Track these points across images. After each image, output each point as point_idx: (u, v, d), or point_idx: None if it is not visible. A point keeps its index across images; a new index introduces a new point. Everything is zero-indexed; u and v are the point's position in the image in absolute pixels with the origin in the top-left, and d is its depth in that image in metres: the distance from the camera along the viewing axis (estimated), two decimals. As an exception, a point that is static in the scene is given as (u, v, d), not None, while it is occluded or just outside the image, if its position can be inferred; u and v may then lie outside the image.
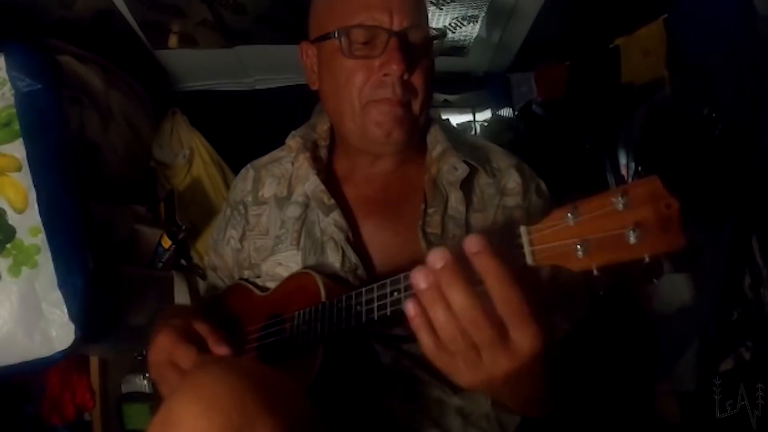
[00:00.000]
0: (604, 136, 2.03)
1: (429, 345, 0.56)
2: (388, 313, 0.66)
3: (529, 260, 0.54)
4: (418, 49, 0.82)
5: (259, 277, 0.92)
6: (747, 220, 1.29)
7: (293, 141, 0.94)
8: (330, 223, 0.85)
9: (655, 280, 0.50)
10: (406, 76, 0.80)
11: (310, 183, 0.89)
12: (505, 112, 2.27)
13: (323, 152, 0.94)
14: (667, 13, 1.55)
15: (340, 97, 0.83)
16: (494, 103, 2.30)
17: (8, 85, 1.27)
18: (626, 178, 1.94)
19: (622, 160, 1.98)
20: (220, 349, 0.76)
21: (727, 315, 1.33)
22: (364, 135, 0.83)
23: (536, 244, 0.54)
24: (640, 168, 1.84)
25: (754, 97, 1.29)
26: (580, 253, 0.51)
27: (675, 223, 0.48)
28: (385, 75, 0.79)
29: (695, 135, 1.50)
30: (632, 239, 0.48)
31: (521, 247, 0.55)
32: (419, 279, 0.54)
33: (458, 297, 0.53)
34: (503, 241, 0.56)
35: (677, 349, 1.50)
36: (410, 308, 0.55)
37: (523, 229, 0.55)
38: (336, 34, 0.80)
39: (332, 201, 0.86)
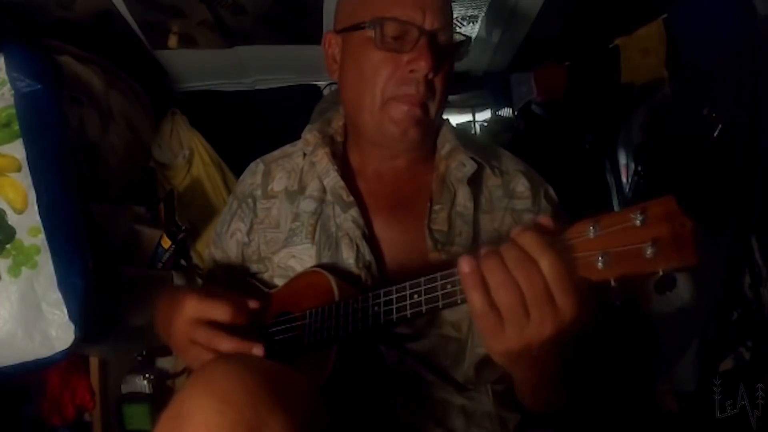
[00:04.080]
0: (604, 136, 2.03)
1: (480, 303, 0.57)
2: (408, 315, 0.68)
3: None
4: (444, 51, 0.84)
5: (267, 271, 0.91)
6: (747, 219, 1.29)
7: (311, 135, 0.95)
8: (347, 219, 0.86)
9: (668, 292, 0.52)
10: (431, 76, 0.82)
11: (330, 179, 0.89)
12: (505, 112, 2.27)
13: (339, 148, 0.95)
14: (667, 13, 1.55)
15: (363, 89, 0.85)
16: (494, 103, 2.29)
17: (8, 86, 1.27)
18: (626, 178, 1.94)
19: (622, 160, 1.98)
20: (254, 303, 0.75)
21: (727, 315, 1.32)
22: (381, 131, 0.85)
23: (560, 253, 0.56)
24: (639, 168, 1.84)
25: (754, 97, 1.29)
26: (600, 264, 0.54)
27: (689, 241, 0.52)
28: (411, 71, 0.81)
29: (695, 135, 1.49)
30: (649, 254, 0.52)
31: None
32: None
33: (514, 252, 0.56)
34: None
35: (677, 349, 1.50)
36: (465, 264, 0.58)
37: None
38: (370, 25, 0.83)
39: (351, 198, 0.87)
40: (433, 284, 0.66)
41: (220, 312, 0.72)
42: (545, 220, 0.60)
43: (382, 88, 0.83)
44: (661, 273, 0.52)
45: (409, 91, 0.82)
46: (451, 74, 0.88)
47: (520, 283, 0.55)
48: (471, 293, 0.58)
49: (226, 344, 0.71)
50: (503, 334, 0.58)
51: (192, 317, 0.72)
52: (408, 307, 0.68)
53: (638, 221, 0.53)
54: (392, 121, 0.83)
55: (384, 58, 0.83)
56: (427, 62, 0.80)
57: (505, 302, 0.56)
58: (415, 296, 0.67)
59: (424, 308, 0.66)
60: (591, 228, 0.55)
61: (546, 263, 0.55)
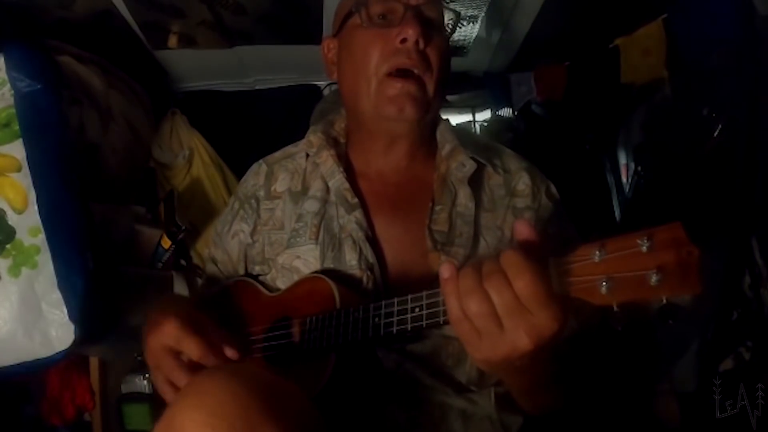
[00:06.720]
0: (604, 136, 2.03)
1: (455, 310, 0.57)
2: (409, 329, 0.67)
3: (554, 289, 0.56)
4: (433, 24, 0.85)
5: (270, 272, 0.91)
6: (747, 220, 1.29)
7: (315, 137, 0.95)
8: (351, 221, 0.86)
9: (670, 321, 0.51)
10: (421, 44, 0.82)
11: (336, 180, 0.89)
12: (505, 112, 2.27)
13: (342, 150, 0.95)
14: (667, 13, 1.55)
15: (357, 73, 0.86)
16: (494, 103, 2.30)
17: (8, 86, 1.27)
18: (626, 178, 1.94)
19: (622, 160, 1.98)
20: (230, 352, 0.74)
21: (727, 315, 1.32)
22: (378, 112, 0.85)
23: (563, 276, 0.56)
24: (639, 168, 1.84)
25: (754, 97, 1.29)
26: (603, 289, 0.53)
27: (694, 270, 0.51)
28: (401, 41, 0.82)
29: (695, 135, 1.49)
30: (654, 281, 0.51)
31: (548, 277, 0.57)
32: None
33: (489, 266, 0.56)
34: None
35: (677, 349, 1.50)
36: (445, 270, 0.58)
37: (551, 261, 0.57)
38: (355, 8, 0.85)
39: (356, 200, 0.87)
40: (435, 299, 0.65)
41: (192, 348, 0.71)
42: (521, 226, 0.59)
43: (375, 65, 0.84)
44: (664, 301, 0.52)
45: (401, 60, 0.82)
46: (447, 49, 0.88)
47: (490, 294, 0.55)
48: (447, 299, 0.58)
49: (183, 383, 0.70)
50: (480, 343, 0.57)
51: (165, 343, 0.72)
52: (409, 321, 0.67)
53: (644, 247, 0.52)
54: (388, 100, 0.83)
55: (373, 36, 0.84)
56: (415, 29, 0.80)
57: (473, 310, 0.56)
58: (417, 310, 0.66)
59: (424, 323, 0.66)
60: (596, 252, 0.54)
61: (519, 277, 0.54)
